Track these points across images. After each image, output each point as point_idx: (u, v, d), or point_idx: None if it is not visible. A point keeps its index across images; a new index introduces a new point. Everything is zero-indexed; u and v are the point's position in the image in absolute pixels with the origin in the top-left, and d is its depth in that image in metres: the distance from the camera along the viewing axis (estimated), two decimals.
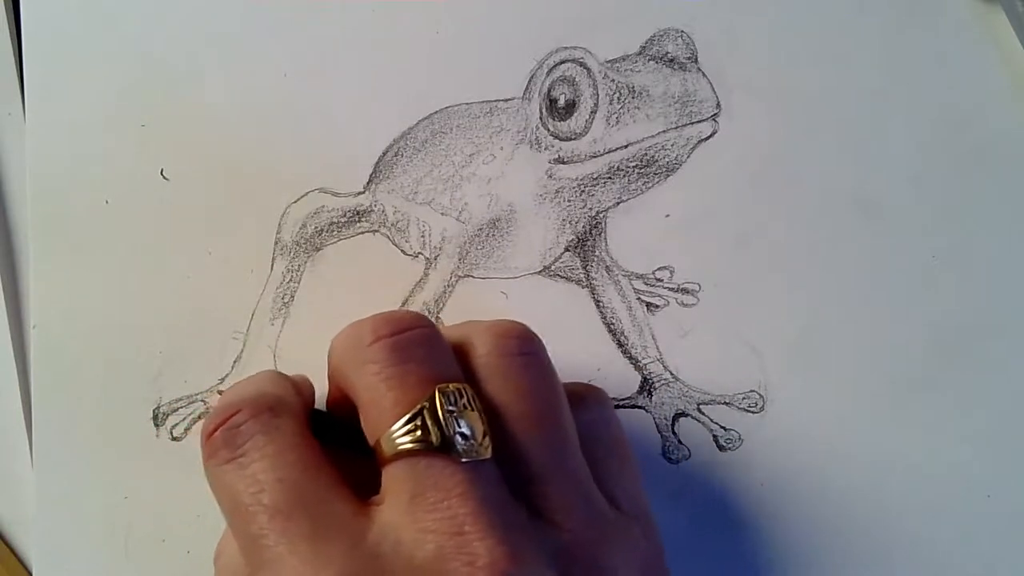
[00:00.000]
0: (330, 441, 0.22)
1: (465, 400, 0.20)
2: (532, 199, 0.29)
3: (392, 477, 0.20)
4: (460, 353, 0.22)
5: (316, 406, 0.24)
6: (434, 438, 0.20)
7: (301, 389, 0.24)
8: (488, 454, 0.20)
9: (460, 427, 0.20)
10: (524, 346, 0.22)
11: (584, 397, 0.24)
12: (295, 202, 0.28)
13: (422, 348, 0.21)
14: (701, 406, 0.28)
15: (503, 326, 0.23)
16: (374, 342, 0.21)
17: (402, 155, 0.29)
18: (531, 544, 0.20)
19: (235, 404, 0.22)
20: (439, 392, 0.20)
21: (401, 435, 0.20)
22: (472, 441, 0.20)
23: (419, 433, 0.20)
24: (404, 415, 0.20)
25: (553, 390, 0.22)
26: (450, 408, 0.20)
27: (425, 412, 0.20)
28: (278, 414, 0.22)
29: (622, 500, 0.23)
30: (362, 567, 0.19)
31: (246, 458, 0.21)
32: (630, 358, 0.28)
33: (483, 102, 0.29)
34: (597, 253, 0.29)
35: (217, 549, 0.23)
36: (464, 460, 0.20)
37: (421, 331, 0.22)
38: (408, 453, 0.20)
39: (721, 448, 0.28)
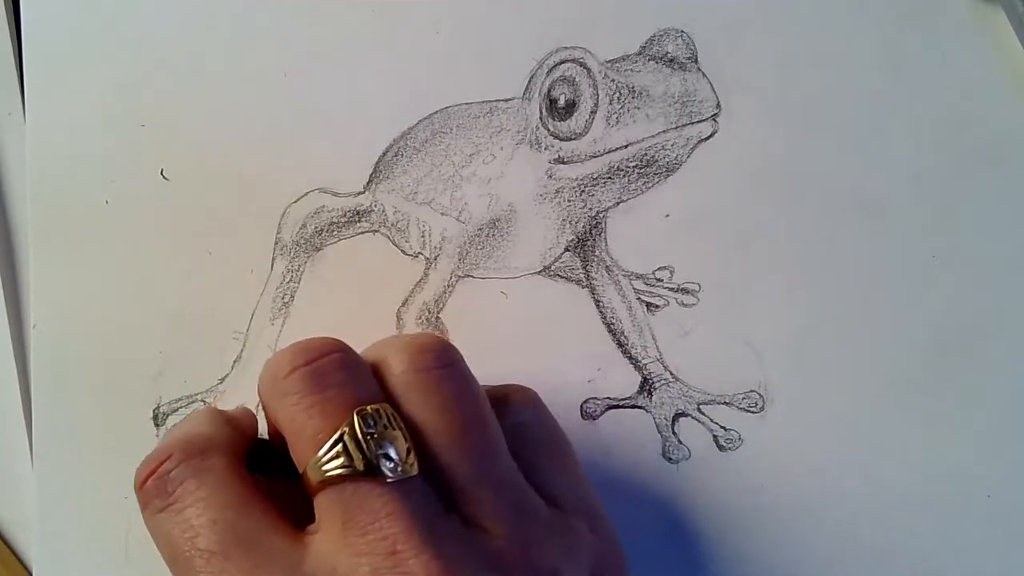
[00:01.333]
0: (277, 471, 0.22)
1: (385, 420, 0.21)
2: (532, 199, 0.29)
3: (323, 505, 0.20)
4: (378, 372, 0.22)
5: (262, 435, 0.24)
6: (358, 463, 0.20)
7: (239, 422, 0.24)
8: (415, 471, 0.20)
9: (383, 448, 0.20)
10: (440, 359, 0.22)
11: (510, 400, 0.24)
12: (295, 202, 0.28)
13: (338, 373, 0.21)
14: (701, 406, 0.28)
15: (418, 341, 0.23)
16: (290, 373, 0.21)
17: (402, 155, 0.29)
18: (465, 554, 0.20)
19: (165, 450, 0.22)
20: (358, 416, 0.20)
21: (326, 462, 0.20)
22: (396, 460, 0.20)
23: (343, 459, 0.20)
24: (326, 442, 0.20)
25: (473, 399, 0.22)
26: (370, 431, 0.20)
27: (347, 437, 0.20)
28: (208, 456, 0.22)
29: (563, 499, 0.23)
30: None
31: (178, 504, 0.21)
32: (630, 358, 0.28)
33: (483, 102, 0.29)
34: (597, 253, 0.29)
35: None
36: (391, 480, 0.20)
37: (336, 356, 0.22)
38: (335, 480, 0.20)
39: (721, 448, 0.28)
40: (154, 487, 0.21)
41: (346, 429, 0.20)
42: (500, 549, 0.21)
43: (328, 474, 0.20)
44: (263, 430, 0.24)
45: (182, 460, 0.21)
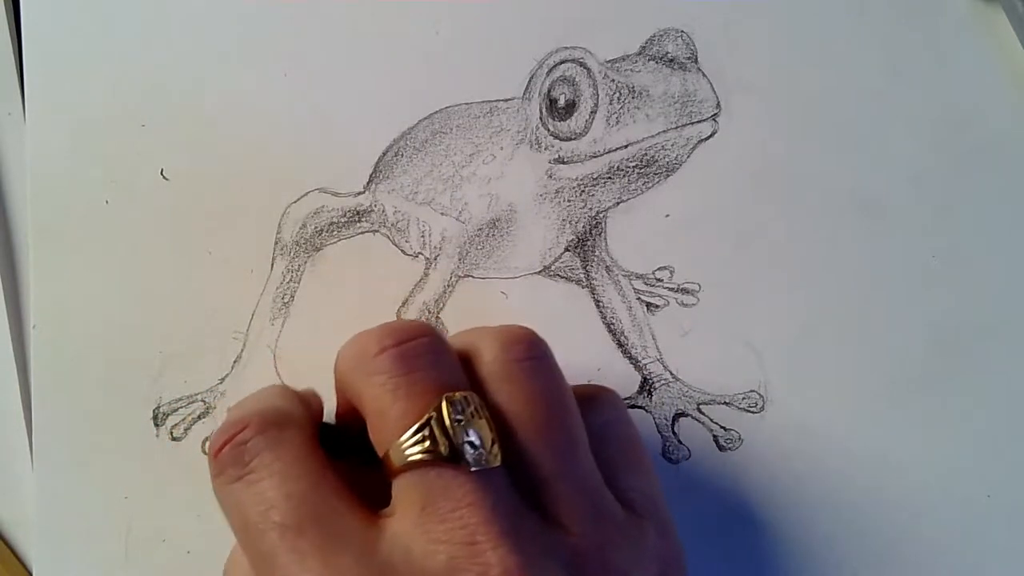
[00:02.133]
0: (340, 454, 0.22)
1: (473, 408, 0.20)
2: (532, 199, 0.29)
3: (402, 488, 0.20)
4: (466, 360, 0.22)
5: (325, 419, 0.24)
6: (443, 448, 0.20)
7: (309, 403, 0.23)
8: (498, 462, 0.20)
9: (468, 436, 0.20)
10: (531, 351, 0.22)
11: (595, 399, 0.24)
12: (295, 202, 0.28)
13: (428, 357, 0.21)
14: (701, 406, 0.28)
15: (509, 331, 0.22)
16: (379, 353, 0.21)
17: (402, 155, 0.29)
18: (542, 551, 0.20)
19: (241, 420, 0.21)
20: (446, 401, 0.20)
21: (410, 446, 0.20)
22: (481, 450, 0.20)
23: (428, 444, 0.20)
24: (412, 425, 0.20)
25: (561, 394, 0.22)
26: (458, 417, 0.20)
27: (433, 422, 0.20)
28: (284, 428, 0.21)
29: (636, 501, 0.22)
30: None
31: (254, 475, 0.21)
32: (630, 358, 0.28)
33: (483, 102, 0.29)
34: (597, 253, 0.29)
35: (226, 566, 0.23)
36: (474, 469, 0.20)
37: (426, 340, 0.21)
38: (417, 464, 0.20)
39: (721, 448, 0.28)
40: (230, 456, 0.21)
41: (433, 414, 0.20)
42: (577, 548, 0.20)
43: (411, 457, 0.20)
44: (327, 413, 0.24)
45: (259, 431, 0.21)
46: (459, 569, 0.19)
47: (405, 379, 0.21)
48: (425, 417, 0.20)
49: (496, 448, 0.20)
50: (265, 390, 0.24)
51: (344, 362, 0.22)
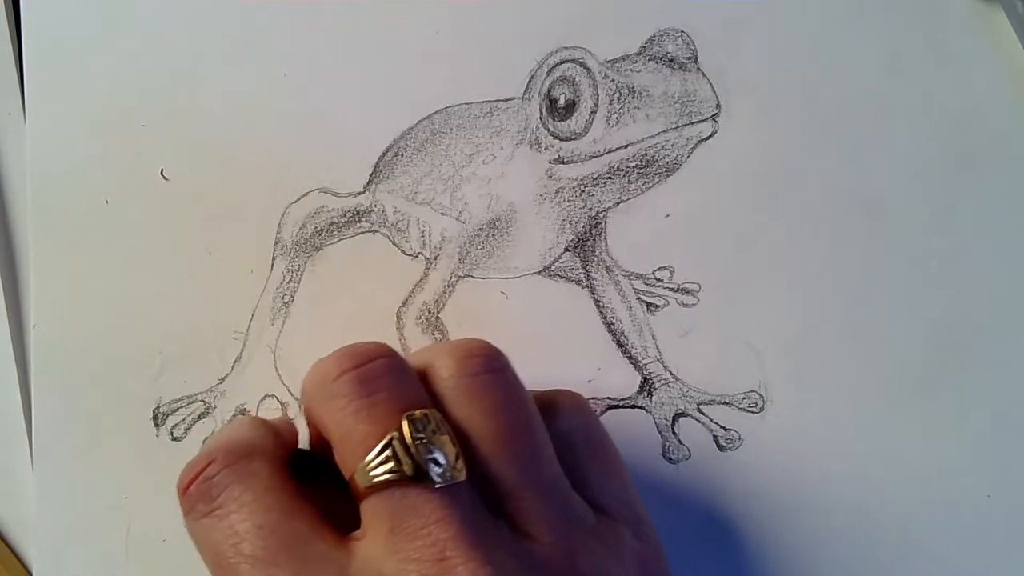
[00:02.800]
0: (317, 479, 0.22)
1: (434, 425, 0.20)
2: (532, 199, 0.29)
3: (370, 510, 0.20)
4: (425, 378, 0.22)
5: (301, 445, 0.24)
6: (407, 467, 0.20)
7: (280, 432, 0.23)
8: (463, 476, 0.20)
9: (432, 453, 0.20)
10: (488, 364, 0.22)
11: (559, 406, 0.24)
12: (295, 202, 0.28)
13: (387, 378, 0.21)
14: (701, 406, 0.28)
15: (465, 346, 0.22)
16: (339, 376, 0.21)
17: (402, 155, 0.29)
18: (513, 562, 0.20)
19: (207, 455, 0.22)
20: (407, 420, 0.20)
21: (374, 467, 0.20)
22: (445, 466, 0.20)
23: (392, 464, 0.20)
24: (375, 447, 0.20)
25: (521, 405, 0.22)
26: (420, 435, 0.20)
27: (395, 442, 0.20)
28: (251, 460, 0.21)
29: (608, 504, 0.23)
30: None
31: (222, 509, 0.21)
32: (630, 358, 0.28)
33: (483, 102, 0.29)
34: (597, 253, 0.29)
35: None
36: (439, 485, 0.20)
37: (384, 361, 0.21)
38: (383, 485, 0.20)
39: (721, 448, 0.28)
40: (197, 492, 0.21)
41: (395, 434, 0.20)
42: (547, 556, 0.20)
43: (376, 479, 0.20)
44: (302, 440, 0.24)
45: (226, 464, 0.21)
46: None
47: (366, 401, 0.21)
48: (387, 438, 0.20)
49: (460, 463, 0.20)
50: (234, 423, 0.24)
51: (306, 389, 0.22)
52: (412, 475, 0.20)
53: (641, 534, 0.23)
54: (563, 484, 0.22)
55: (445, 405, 0.21)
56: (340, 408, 0.21)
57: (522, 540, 0.21)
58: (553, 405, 0.24)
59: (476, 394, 0.21)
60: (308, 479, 0.22)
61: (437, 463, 0.20)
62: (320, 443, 0.23)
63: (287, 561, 0.20)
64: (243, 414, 0.28)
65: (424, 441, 0.20)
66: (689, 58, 0.29)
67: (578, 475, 0.22)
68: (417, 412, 0.20)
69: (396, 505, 0.20)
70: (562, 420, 0.23)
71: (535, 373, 0.27)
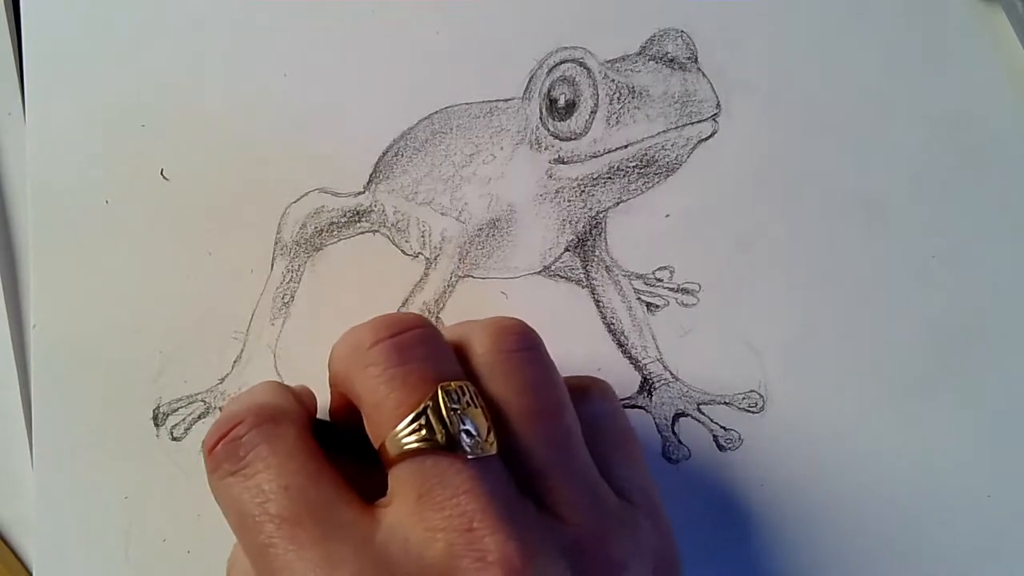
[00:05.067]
0: (333, 450, 0.22)
1: (468, 397, 0.20)
2: (532, 199, 0.29)
3: (398, 478, 0.20)
4: (459, 353, 0.22)
5: (319, 416, 0.24)
6: (439, 436, 0.20)
7: (303, 399, 0.24)
8: (493, 450, 0.20)
9: (464, 424, 0.20)
10: (522, 342, 0.22)
11: (588, 390, 0.24)
12: (295, 202, 0.28)
13: (423, 348, 0.21)
14: (701, 406, 0.28)
15: (501, 323, 0.23)
16: (374, 344, 0.21)
17: (402, 155, 0.29)
18: (541, 538, 0.20)
19: (236, 416, 0.22)
20: (442, 390, 0.20)
21: (406, 435, 0.20)
22: (477, 438, 0.20)
23: (424, 432, 0.20)
24: (408, 415, 0.20)
25: (554, 385, 0.22)
26: (453, 406, 0.20)
27: (429, 411, 0.20)
28: (279, 423, 0.21)
29: (630, 492, 0.23)
30: (371, 568, 0.19)
31: (249, 469, 0.21)
32: (630, 358, 0.28)
33: (483, 102, 0.29)
34: (597, 253, 0.29)
35: (230, 559, 0.23)
36: (470, 457, 0.20)
37: (421, 331, 0.22)
38: (414, 453, 0.20)
39: (721, 448, 0.28)
40: (224, 451, 0.21)
41: (429, 403, 0.20)
42: (575, 537, 0.20)
43: (407, 447, 0.20)
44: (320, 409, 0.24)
45: (254, 425, 0.21)
46: (457, 556, 0.19)
47: (401, 370, 0.21)
48: (421, 407, 0.20)
49: (492, 437, 0.20)
50: (259, 386, 0.24)
51: (339, 356, 0.22)
52: (444, 444, 0.20)
53: (658, 523, 0.23)
54: (592, 467, 0.22)
55: (479, 380, 0.21)
56: (374, 375, 0.21)
57: (551, 519, 0.21)
58: (582, 390, 0.24)
59: (510, 371, 0.21)
60: (325, 448, 0.22)
61: (469, 434, 0.20)
62: (340, 412, 0.23)
63: (313, 524, 0.20)
64: None
65: (457, 412, 0.20)
66: (689, 58, 0.29)
67: (602, 460, 0.22)
68: (452, 383, 0.21)
69: (426, 473, 0.20)
70: (590, 405, 0.23)
71: None
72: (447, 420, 0.20)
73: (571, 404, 0.22)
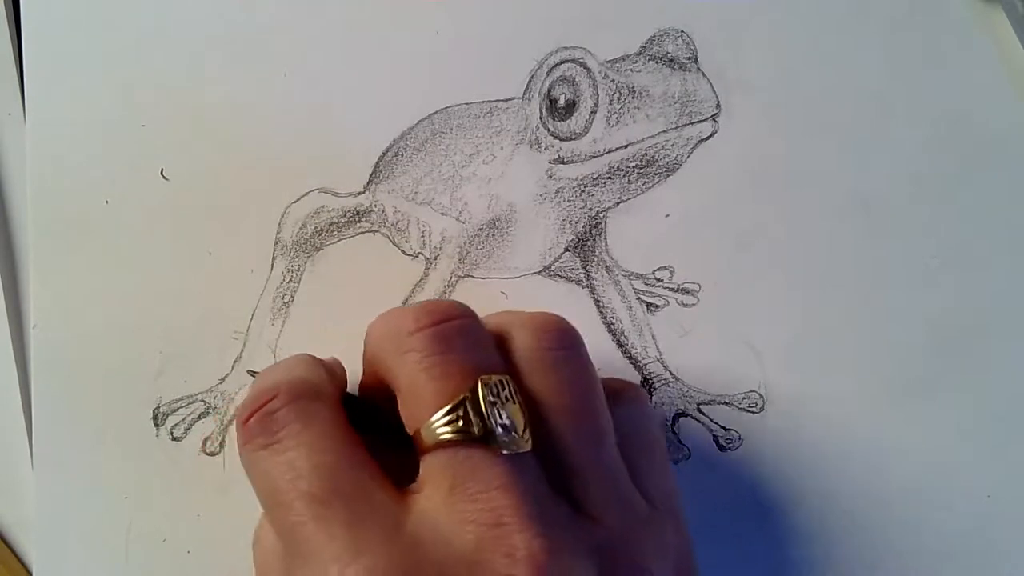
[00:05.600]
0: (361, 424, 0.22)
1: (507, 392, 0.20)
2: (532, 199, 0.29)
3: (431, 466, 0.20)
4: (499, 343, 0.22)
5: (348, 390, 0.24)
6: (476, 429, 0.20)
7: (334, 373, 0.24)
8: (528, 447, 0.20)
9: (501, 419, 0.20)
10: (564, 340, 0.22)
11: (621, 393, 0.24)
12: (295, 202, 0.28)
13: (464, 338, 0.21)
14: (701, 406, 0.28)
15: (544, 318, 0.23)
16: (416, 331, 0.21)
17: (402, 155, 0.29)
18: (570, 538, 0.20)
19: (270, 390, 0.21)
20: (481, 383, 0.20)
21: (442, 425, 0.20)
22: (513, 433, 0.20)
23: (460, 423, 0.20)
24: (446, 405, 0.20)
25: (592, 386, 0.22)
26: (492, 399, 0.20)
27: (467, 403, 0.20)
28: (314, 401, 0.21)
29: (656, 497, 0.23)
30: (400, 555, 0.19)
31: (282, 444, 0.21)
32: (630, 358, 0.28)
33: (483, 102, 0.29)
34: (597, 253, 0.29)
35: (255, 534, 0.23)
36: (505, 452, 0.20)
37: (463, 321, 0.21)
38: (449, 443, 0.20)
39: (721, 448, 0.28)
40: (259, 424, 0.21)
41: (468, 394, 0.20)
42: (605, 539, 0.20)
43: (442, 436, 0.20)
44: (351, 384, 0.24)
45: (289, 401, 0.21)
46: (486, 550, 0.19)
47: (441, 359, 0.21)
48: (459, 397, 0.20)
49: (527, 433, 0.20)
50: (293, 359, 0.24)
51: (378, 337, 0.22)
52: (480, 437, 0.20)
53: (679, 528, 0.23)
54: (623, 470, 0.22)
55: (518, 374, 0.21)
56: (414, 362, 0.21)
57: (582, 519, 0.21)
58: (615, 392, 0.24)
59: (551, 368, 0.21)
60: (353, 423, 0.22)
61: (505, 429, 0.20)
62: (370, 389, 0.23)
63: (343, 506, 0.20)
64: None
65: (495, 405, 0.20)
66: (689, 58, 0.29)
67: (631, 464, 0.22)
68: (492, 376, 0.20)
69: (459, 465, 0.20)
70: (623, 408, 0.23)
71: None
72: (484, 413, 0.20)
73: (606, 406, 0.22)
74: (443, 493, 0.20)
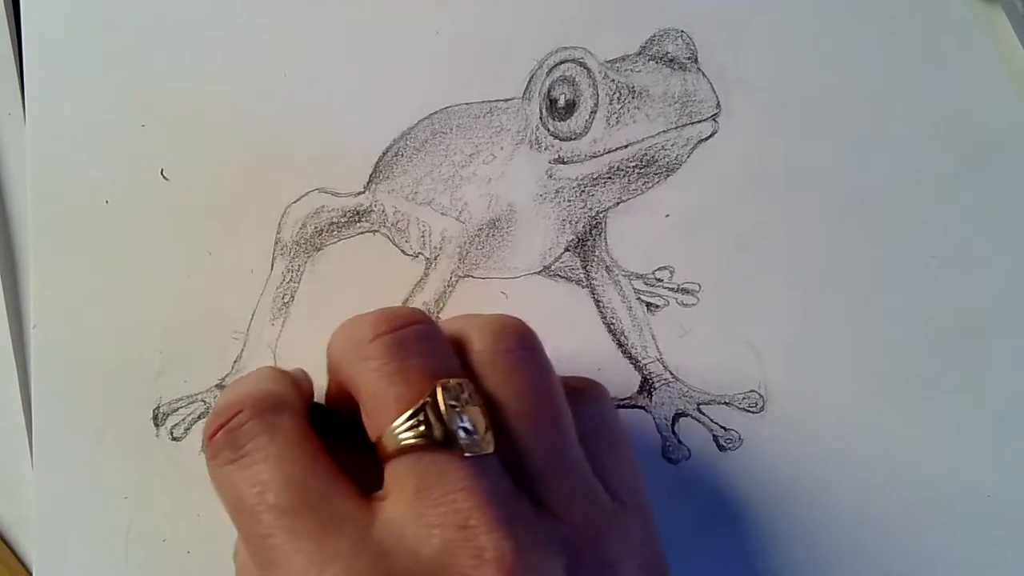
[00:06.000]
0: (329, 434, 0.22)
1: (466, 395, 0.20)
2: (532, 199, 0.29)
3: (395, 473, 0.20)
4: (457, 347, 0.22)
5: (315, 400, 0.24)
6: (437, 433, 0.20)
7: (300, 384, 0.24)
8: (490, 448, 0.20)
9: (462, 422, 0.20)
10: (521, 342, 0.22)
11: (583, 392, 0.24)
12: (295, 202, 0.28)
13: (422, 344, 0.21)
14: (701, 406, 0.28)
15: (500, 321, 0.23)
16: (374, 339, 0.21)
17: (402, 155, 0.29)
18: (537, 537, 0.20)
19: (236, 403, 0.22)
20: (440, 387, 0.20)
21: (404, 431, 0.20)
22: (475, 435, 0.20)
23: (422, 428, 0.20)
24: (406, 411, 0.20)
25: (551, 385, 0.22)
26: (452, 403, 0.20)
27: (427, 407, 0.20)
28: (279, 412, 0.22)
29: (622, 493, 0.23)
30: (367, 562, 0.19)
31: (249, 458, 0.21)
32: (630, 358, 0.28)
33: (483, 102, 0.29)
34: (597, 253, 0.29)
35: (236, 547, 0.23)
36: (467, 454, 0.20)
37: (420, 327, 0.22)
38: (411, 448, 0.20)
39: (721, 448, 0.28)
40: (224, 439, 0.21)
41: (428, 399, 0.20)
42: (571, 536, 0.21)
43: (404, 442, 0.20)
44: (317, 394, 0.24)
45: (254, 415, 0.21)
46: (453, 553, 0.19)
47: (400, 365, 0.21)
48: (419, 402, 0.20)
49: (489, 435, 0.20)
50: (257, 372, 0.24)
51: (337, 346, 0.22)
52: (441, 441, 0.20)
53: (646, 524, 0.23)
54: (586, 467, 0.22)
55: (477, 377, 0.21)
56: (373, 369, 0.21)
57: (547, 518, 0.21)
58: (577, 391, 0.24)
59: (509, 370, 0.22)
60: (321, 432, 0.22)
61: (467, 431, 0.20)
62: (336, 398, 0.23)
63: (310, 514, 0.20)
64: None
65: (456, 409, 0.20)
66: (689, 58, 0.29)
67: (595, 461, 0.22)
68: (451, 380, 0.21)
69: (423, 470, 0.20)
70: (585, 405, 0.23)
71: None
72: (445, 417, 0.20)
73: (567, 404, 0.22)
74: (408, 498, 0.20)
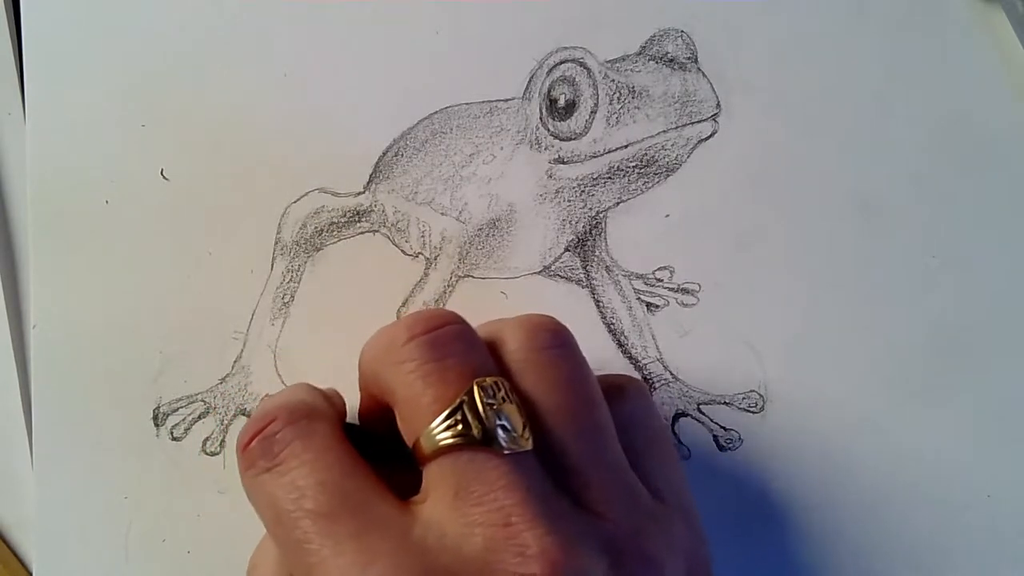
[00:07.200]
0: (363, 454, 0.22)
1: (503, 393, 0.20)
2: (532, 199, 0.29)
3: (434, 474, 0.20)
4: (492, 349, 0.22)
5: (348, 419, 0.24)
6: (475, 431, 0.20)
7: (333, 401, 0.24)
8: (529, 446, 0.20)
9: (501, 419, 0.20)
10: (555, 339, 0.22)
11: (623, 388, 0.24)
12: (295, 202, 0.28)
13: (457, 343, 0.21)
14: (701, 406, 0.28)
15: (534, 320, 0.23)
16: (408, 341, 0.21)
17: (402, 155, 0.29)
18: (578, 533, 0.20)
19: (269, 414, 0.22)
20: (477, 386, 0.20)
21: (441, 431, 0.20)
22: (513, 433, 0.20)
23: (460, 428, 0.20)
24: (444, 411, 0.20)
25: (587, 382, 0.22)
26: (489, 401, 0.20)
27: (465, 406, 0.20)
28: (313, 420, 0.21)
29: (663, 491, 0.22)
30: (410, 562, 0.19)
31: (284, 465, 0.21)
32: (630, 358, 0.28)
33: (483, 102, 0.29)
34: (597, 253, 0.29)
35: (252, 561, 0.23)
36: (506, 452, 0.20)
37: (454, 327, 0.22)
38: (449, 448, 0.20)
39: (721, 448, 0.28)
40: (259, 448, 0.21)
41: (465, 398, 0.20)
42: (612, 533, 0.20)
43: (443, 443, 0.20)
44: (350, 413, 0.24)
45: (288, 423, 0.21)
46: (496, 550, 0.19)
47: (436, 365, 0.21)
48: (457, 402, 0.20)
49: (527, 432, 0.20)
50: (291, 387, 0.24)
51: (371, 354, 0.22)
52: (480, 439, 0.20)
53: (691, 523, 0.23)
54: (625, 464, 0.22)
55: (512, 376, 0.21)
56: (409, 371, 0.21)
57: (587, 515, 0.21)
58: (616, 388, 0.24)
59: (544, 367, 0.21)
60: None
61: (505, 429, 0.20)
62: (369, 415, 0.23)
63: (350, 519, 0.20)
64: (243, 414, 0.28)
65: (493, 407, 0.20)
66: (689, 58, 0.29)
67: (636, 459, 0.22)
68: (488, 379, 0.20)
69: (462, 469, 0.20)
70: (625, 403, 0.23)
71: None
72: (483, 415, 0.20)
73: (604, 401, 0.22)
74: (448, 499, 0.20)
